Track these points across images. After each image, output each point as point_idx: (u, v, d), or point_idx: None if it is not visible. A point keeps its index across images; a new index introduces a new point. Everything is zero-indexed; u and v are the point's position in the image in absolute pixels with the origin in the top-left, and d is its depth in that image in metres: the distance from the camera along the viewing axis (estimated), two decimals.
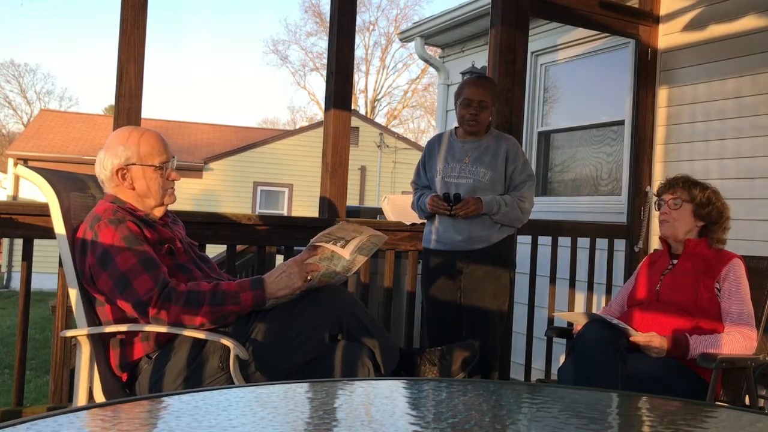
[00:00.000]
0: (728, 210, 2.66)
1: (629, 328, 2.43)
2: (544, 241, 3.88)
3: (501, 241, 2.98)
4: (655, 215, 2.84)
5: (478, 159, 2.97)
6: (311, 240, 2.19)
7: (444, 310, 3.03)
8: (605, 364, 2.29)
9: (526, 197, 2.96)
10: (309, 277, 2.11)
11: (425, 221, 3.15)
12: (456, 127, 3.12)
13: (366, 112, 30.00)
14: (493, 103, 3.02)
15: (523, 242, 3.74)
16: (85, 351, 2.04)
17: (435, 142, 3.14)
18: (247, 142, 19.07)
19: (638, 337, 2.40)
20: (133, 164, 2.14)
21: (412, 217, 3.40)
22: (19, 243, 3.22)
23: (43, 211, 2.38)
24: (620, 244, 4.22)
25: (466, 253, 2.96)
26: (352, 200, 17.13)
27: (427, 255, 3.10)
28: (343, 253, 2.18)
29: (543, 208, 5.54)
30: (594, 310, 4.17)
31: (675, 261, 2.66)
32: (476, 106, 2.95)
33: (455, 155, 3.01)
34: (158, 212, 2.21)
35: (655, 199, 2.76)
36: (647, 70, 4.31)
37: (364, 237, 2.24)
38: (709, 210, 2.62)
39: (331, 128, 3.31)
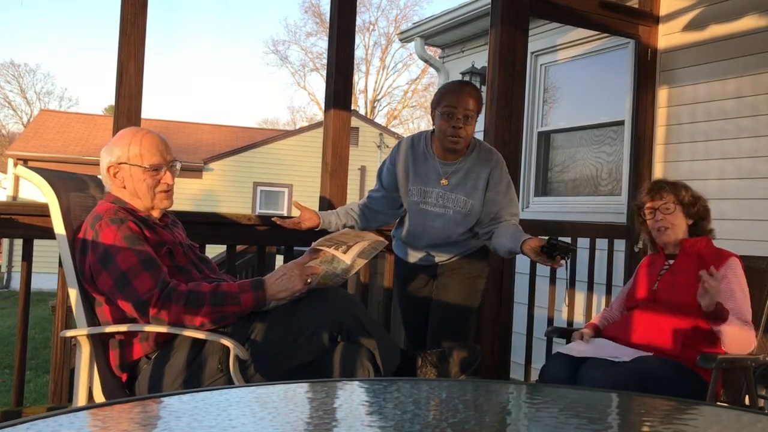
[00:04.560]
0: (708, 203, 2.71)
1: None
2: None
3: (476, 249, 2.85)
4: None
5: (458, 185, 2.59)
6: (313, 243, 2.19)
7: (419, 311, 2.91)
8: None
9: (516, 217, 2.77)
10: (309, 280, 2.11)
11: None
12: (432, 132, 2.66)
13: (366, 112, 29.99)
14: (478, 113, 2.56)
15: None
16: (84, 351, 2.04)
17: (408, 150, 2.66)
18: (247, 142, 19.08)
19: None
20: (123, 163, 2.15)
21: None
22: (19, 243, 3.22)
23: (43, 211, 2.38)
24: (620, 244, 4.22)
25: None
26: (351, 200, 17.07)
27: (399, 261, 2.98)
28: (345, 258, 2.18)
29: (543, 208, 5.55)
30: (594, 311, 4.17)
31: (671, 261, 2.67)
32: (460, 118, 2.50)
33: (431, 175, 2.61)
34: (155, 213, 2.21)
35: (641, 207, 2.76)
36: (647, 70, 4.31)
37: (365, 243, 2.23)
38: (697, 208, 2.66)
39: (331, 128, 3.31)
